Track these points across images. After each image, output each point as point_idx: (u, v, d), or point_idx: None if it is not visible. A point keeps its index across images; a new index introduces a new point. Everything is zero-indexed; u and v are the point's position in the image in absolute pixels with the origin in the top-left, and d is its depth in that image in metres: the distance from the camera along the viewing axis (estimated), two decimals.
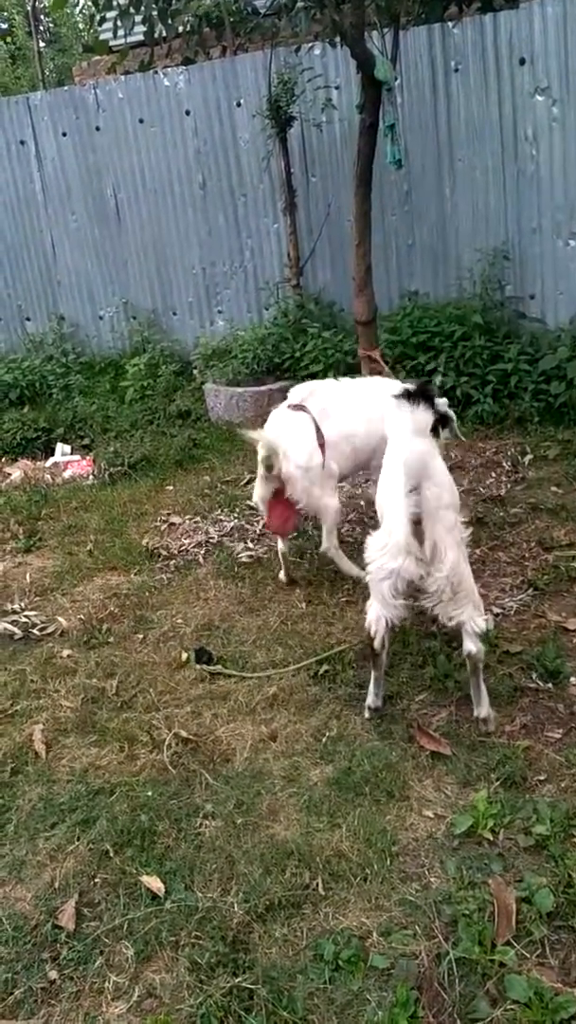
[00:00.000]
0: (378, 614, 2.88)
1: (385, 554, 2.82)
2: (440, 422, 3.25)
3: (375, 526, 3.02)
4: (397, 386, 3.54)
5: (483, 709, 2.97)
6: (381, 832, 2.58)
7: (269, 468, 3.88)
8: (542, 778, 2.74)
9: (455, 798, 2.70)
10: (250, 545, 4.66)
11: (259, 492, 4.02)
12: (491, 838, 2.51)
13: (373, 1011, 2.06)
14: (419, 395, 2.80)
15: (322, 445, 3.91)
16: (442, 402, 3.59)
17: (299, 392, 4.10)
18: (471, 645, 2.85)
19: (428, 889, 2.37)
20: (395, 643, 3.49)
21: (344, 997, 2.11)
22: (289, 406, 4.04)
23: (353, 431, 4.01)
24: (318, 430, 3.93)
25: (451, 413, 3.59)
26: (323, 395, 4.06)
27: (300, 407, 4.00)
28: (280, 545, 4.20)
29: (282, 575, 4.25)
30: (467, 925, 2.21)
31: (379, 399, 3.53)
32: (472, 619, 2.83)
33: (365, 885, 2.41)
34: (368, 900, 2.37)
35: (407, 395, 2.80)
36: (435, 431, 3.04)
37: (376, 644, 2.93)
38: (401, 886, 2.40)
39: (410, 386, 2.89)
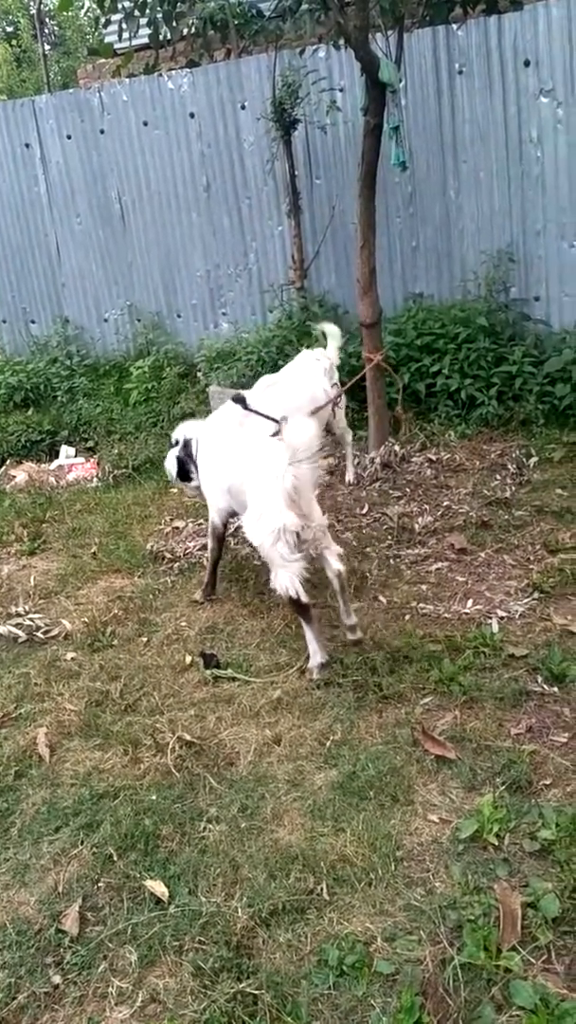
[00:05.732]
0: (289, 576, 3.38)
1: (264, 523, 3.42)
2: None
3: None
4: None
5: (352, 618, 3.55)
6: (386, 837, 2.57)
7: None
8: (548, 782, 2.73)
9: (460, 802, 2.69)
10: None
11: None
12: (496, 843, 2.50)
13: (377, 1017, 2.05)
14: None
15: None
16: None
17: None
18: (337, 565, 3.50)
19: (433, 894, 2.36)
20: (396, 641, 3.49)
21: (348, 1003, 2.10)
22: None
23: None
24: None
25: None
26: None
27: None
28: None
29: None
30: (472, 930, 2.20)
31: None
32: (332, 546, 3.56)
33: (370, 890, 2.40)
34: (373, 905, 2.36)
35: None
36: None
37: (304, 599, 3.42)
38: (406, 891, 2.39)
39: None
